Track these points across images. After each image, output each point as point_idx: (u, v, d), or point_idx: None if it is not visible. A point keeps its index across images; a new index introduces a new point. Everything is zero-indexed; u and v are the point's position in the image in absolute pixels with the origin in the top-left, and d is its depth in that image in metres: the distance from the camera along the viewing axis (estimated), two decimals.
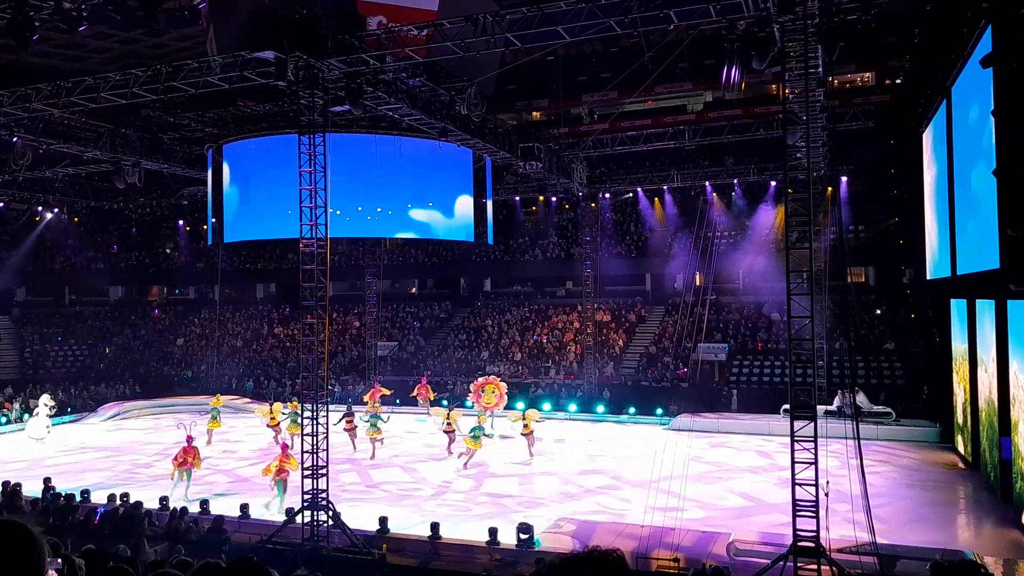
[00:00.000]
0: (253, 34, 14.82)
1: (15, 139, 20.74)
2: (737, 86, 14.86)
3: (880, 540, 12.33)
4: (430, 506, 17.11)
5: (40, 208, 36.58)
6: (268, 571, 2.25)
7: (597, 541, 13.78)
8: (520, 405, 28.98)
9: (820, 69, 14.77)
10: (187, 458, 17.99)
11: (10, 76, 19.73)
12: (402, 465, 21.63)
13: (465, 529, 15.02)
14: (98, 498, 16.57)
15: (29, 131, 21.27)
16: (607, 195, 32.41)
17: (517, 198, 35.24)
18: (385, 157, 23.53)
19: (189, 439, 18.44)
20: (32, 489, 16.80)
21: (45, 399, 26.37)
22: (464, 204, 25.91)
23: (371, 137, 23.20)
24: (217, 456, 22.76)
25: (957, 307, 20.66)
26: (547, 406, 29.26)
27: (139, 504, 14.75)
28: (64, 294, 43.82)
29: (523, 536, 13.72)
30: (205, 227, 32.52)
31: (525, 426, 22.44)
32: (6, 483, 16.32)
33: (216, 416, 25.06)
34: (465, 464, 20.58)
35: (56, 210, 37.29)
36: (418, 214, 24.97)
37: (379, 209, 24.34)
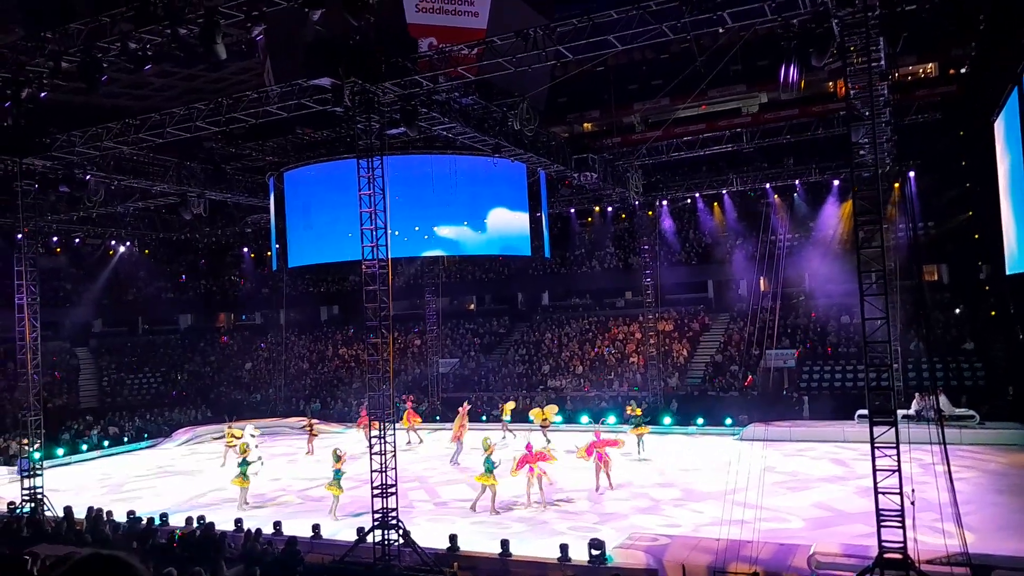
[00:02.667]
0: (309, 62, 15.14)
1: (88, 177, 21.60)
2: (796, 85, 14.45)
3: (971, 550, 11.74)
4: (499, 522, 17.02)
5: (113, 242, 38.04)
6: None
7: (671, 556, 13.49)
8: (584, 419, 28.89)
9: (883, 62, 14.32)
10: (535, 462, 17.81)
11: (82, 117, 20.60)
12: (469, 482, 21.58)
13: (535, 545, 14.86)
14: (175, 521, 16.98)
15: (101, 168, 22.12)
16: (664, 202, 32.01)
17: (572, 210, 35.11)
18: (437, 177, 23.71)
19: (529, 447, 18.16)
20: (113, 514, 17.29)
21: (251, 430, 23.45)
22: (498, 217, 25.70)
23: (421, 157, 23.40)
24: (288, 478, 23.15)
25: None
26: (612, 419, 28.94)
27: (212, 525, 15.06)
28: (138, 324, 45.43)
29: (595, 552, 13.49)
30: (269, 253, 33.33)
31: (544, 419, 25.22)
32: (90, 508, 16.87)
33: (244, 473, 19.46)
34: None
35: (128, 243, 38.73)
36: (458, 231, 24.95)
37: (435, 228, 24.56)
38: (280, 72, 16.21)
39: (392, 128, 16.76)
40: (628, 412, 25.04)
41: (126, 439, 31.09)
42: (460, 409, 25.35)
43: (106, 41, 14.32)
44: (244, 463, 19.14)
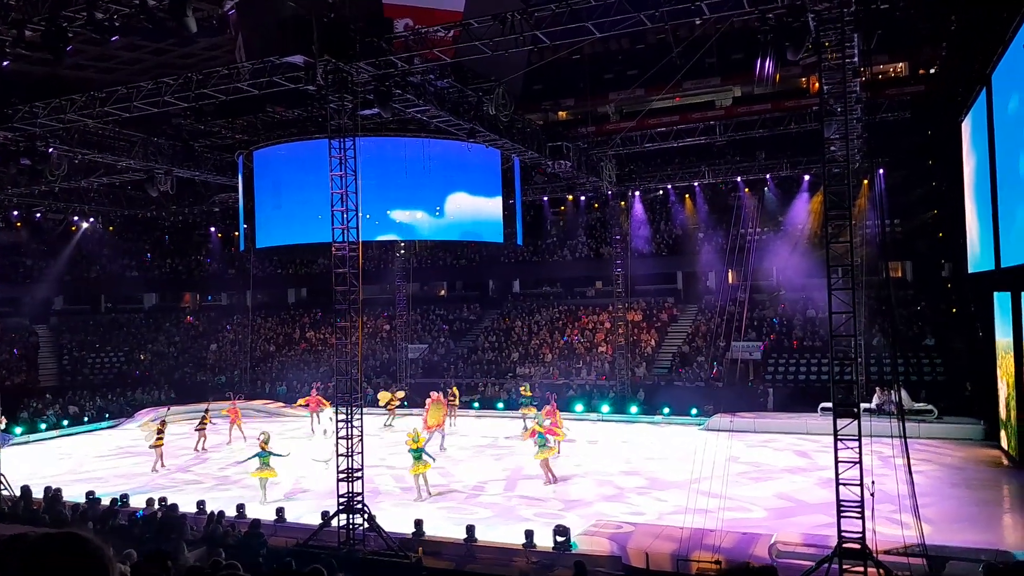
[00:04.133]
0: (282, 39, 14.86)
1: (51, 150, 21.05)
2: (771, 79, 14.56)
3: (928, 541, 11.99)
4: (465, 508, 17.03)
5: (76, 218, 37.20)
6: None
7: (635, 543, 13.60)
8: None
9: (856, 58, 14.45)
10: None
11: (45, 89, 20.04)
12: (435, 467, 21.54)
13: (501, 531, 14.91)
14: (136, 503, 16.72)
15: (64, 142, 21.58)
16: (636, 193, 32.12)
17: (545, 198, 35.08)
18: (400, 160, 23.27)
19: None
20: (72, 494, 17.01)
21: (330, 413, 22.66)
22: (461, 202, 25.13)
23: (382, 140, 22.81)
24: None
25: (1000, 300, 20.12)
26: (579, 407, 29.11)
27: (175, 507, 14.86)
28: (100, 302, 44.55)
29: (560, 539, 13.55)
30: (237, 233, 32.84)
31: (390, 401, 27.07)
32: (47, 488, 16.54)
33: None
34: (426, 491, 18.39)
35: (92, 220, 37.90)
36: (415, 215, 24.51)
37: (391, 212, 24.11)
38: (252, 48, 15.90)
39: (365, 109, 16.54)
40: (521, 392, 27.20)
41: (86, 419, 30.56)
42: (435, 396, 24.86)
43: (72, 10, 13.89)
44: (266, 454, 18.39)
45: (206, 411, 25.45)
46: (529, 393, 27.06)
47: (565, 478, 19.65)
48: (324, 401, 27.04)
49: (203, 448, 24.72)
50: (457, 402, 27.98)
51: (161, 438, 22.27)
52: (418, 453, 17.99)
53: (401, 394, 28.53)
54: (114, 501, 16.03)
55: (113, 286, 43.16)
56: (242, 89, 17.13)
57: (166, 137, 24.38)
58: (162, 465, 22.19)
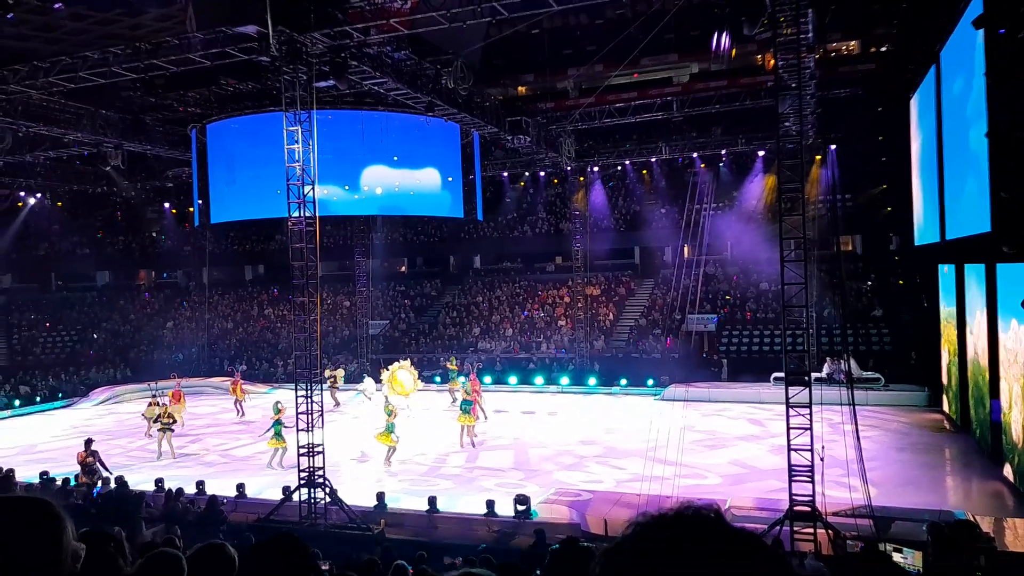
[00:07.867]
0: (234, 8, 14.54)
1: None
2: (727, 55, 14.72)
3: (874, 503, 12.46)
4: (427, 479, 17.17)
5: (23, 193, 36.11)
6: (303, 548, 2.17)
7: (594, 511, 13.89)
8: (513, 380, 29.36)
9: (811, 35, 14.67)
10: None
11: None
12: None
13: (463, 502, 15.08)
14: None
15: (8, 114, 20.89)
16: (595, 169, 32.26)
17: (505, 174, 35.04)
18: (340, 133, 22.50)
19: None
20: (25, 475, 16.70)
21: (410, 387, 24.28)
22: (375, 175, 23.99)
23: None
24: (214, 436, 22.74)
25: (944, 272, 20.78)
26: (539, 380, 29.42)
27: (126, 484, 14.71)
28: (50, 280, 43.48)
29: (520, 507, 13.78)
30: (191, 209, 32.21)
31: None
32: None
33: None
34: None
35: (39, 195, 36.82)
36: (331, 190, 23.41)
37: (321, 188, 23.22)
38: (203, 18, 15.48)
39: (321, 81, 16.31)
40: (448, 366, 27.71)
41: (39, 399, 29.93)
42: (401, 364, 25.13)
43: None
44: (278, 423, 18.34)
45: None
46: (455, 367, 27.36)
47: (523, 449, 19.88)
48: (241, 388, 26.29)
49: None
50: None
51: (164, 423, 20.10)
52: (392, 426, 18.41)
53: (342, 372, 28.98)
54: (66, 481, 15.81)
55: (64, 264, 42.13)
56: (193, 60, 16.74)
57: (115, 110, 23.72)
58: (172, 455, 19.83)
